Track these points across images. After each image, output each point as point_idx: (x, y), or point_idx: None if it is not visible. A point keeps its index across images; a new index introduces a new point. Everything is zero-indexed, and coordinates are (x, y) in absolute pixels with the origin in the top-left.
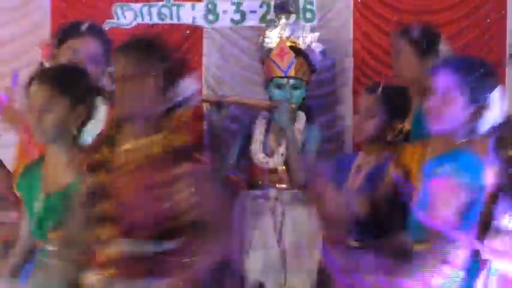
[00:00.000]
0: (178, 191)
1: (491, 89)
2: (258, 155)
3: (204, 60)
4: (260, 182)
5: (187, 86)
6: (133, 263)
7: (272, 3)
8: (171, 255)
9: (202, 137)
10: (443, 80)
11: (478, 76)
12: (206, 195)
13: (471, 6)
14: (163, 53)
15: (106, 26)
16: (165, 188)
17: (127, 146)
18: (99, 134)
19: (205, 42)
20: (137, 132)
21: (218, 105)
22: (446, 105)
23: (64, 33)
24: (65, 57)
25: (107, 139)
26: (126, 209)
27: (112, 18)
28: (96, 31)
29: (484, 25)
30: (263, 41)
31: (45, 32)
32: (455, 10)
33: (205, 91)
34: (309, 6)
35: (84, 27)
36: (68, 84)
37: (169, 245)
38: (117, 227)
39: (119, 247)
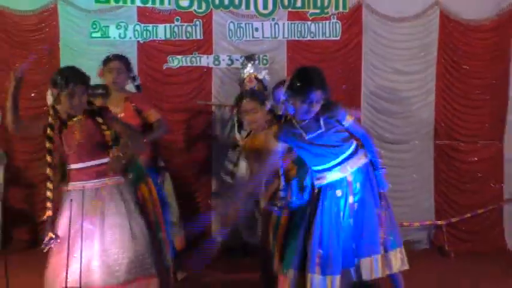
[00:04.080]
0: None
1: None
2: (236, 135)
3: (213, 84)
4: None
5: None
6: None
7: (244, 55)
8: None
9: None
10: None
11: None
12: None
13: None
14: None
15: (164, 67)
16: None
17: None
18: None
19: (213, 75)
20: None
21: (219, 107)
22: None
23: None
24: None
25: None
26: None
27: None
28: (119, 57)
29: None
30: (241, 75)
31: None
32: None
33: (213, 99)
34: (263, 56)
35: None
36: None
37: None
38: None
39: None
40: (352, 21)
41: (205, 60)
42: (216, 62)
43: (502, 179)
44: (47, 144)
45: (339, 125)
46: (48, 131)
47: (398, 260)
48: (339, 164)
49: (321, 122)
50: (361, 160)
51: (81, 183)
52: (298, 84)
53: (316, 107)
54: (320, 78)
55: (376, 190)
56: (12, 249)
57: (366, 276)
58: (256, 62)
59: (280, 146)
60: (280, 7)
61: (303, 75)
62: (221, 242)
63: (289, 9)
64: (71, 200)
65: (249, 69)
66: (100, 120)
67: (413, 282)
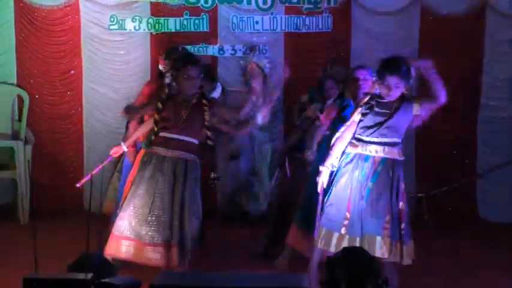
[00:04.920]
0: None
1: None
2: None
3: (219, 70)
4: None
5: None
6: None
7: (247, 46)
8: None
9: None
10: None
11: None
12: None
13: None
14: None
15: None
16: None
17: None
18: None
19: (219, 63)
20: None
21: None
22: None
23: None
24: None
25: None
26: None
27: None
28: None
29: None
30: (244, 63)
31: (146, 59)
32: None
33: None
34: (263, 47)
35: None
36: None
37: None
38: None
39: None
40: (342, 15)
41: (211, 50)
42: (221, 52)
43: (475, 156)
44: (156, 116)
45: (405, 116)
46: (160, 104)
47: (409, 253)
48: (376, 143)
49: (392, 106)
50: (394, 154)
51: (165, 150)
52: (379, 70)
53: (396, 92)
54: (400, 68)
55: (395, 186)
56: (39, 220)
57: (374, 253)
58: (257, 51)
59: (357, 116)
60: (278, 2)
61: (386, 62)
62: (221, 213)
63: (286, 4)
64: (150, 161)
65: (251, 58)
66: (205, 102)
67: None
